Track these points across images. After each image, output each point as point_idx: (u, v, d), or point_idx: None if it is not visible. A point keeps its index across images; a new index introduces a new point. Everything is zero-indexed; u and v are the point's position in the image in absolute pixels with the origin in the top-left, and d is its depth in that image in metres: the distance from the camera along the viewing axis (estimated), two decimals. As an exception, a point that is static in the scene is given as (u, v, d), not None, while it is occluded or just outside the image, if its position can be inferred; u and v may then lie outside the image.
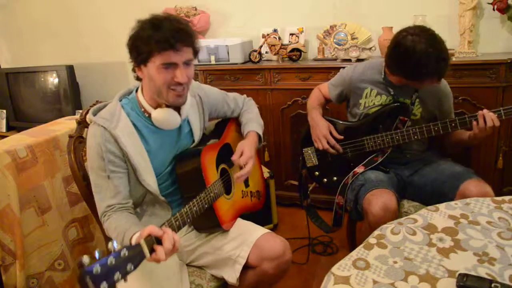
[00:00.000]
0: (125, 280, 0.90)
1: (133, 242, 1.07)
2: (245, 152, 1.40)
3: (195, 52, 1.24)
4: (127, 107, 1.28)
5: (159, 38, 1.12)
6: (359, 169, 1.70)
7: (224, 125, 1.58)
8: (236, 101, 1.59)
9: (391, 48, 1.51)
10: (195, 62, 2.66)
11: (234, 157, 1.39)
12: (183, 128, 1.38)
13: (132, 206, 1.28)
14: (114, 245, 0.91)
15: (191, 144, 1.41)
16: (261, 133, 1.55)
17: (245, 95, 1.66)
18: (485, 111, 1.49)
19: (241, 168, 1.40)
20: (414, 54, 1.42)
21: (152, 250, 0.98)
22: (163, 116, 1.25)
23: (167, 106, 1.26)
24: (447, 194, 1.51)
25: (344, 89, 1.78)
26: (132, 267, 0.92)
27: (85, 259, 0.84)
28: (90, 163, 1.24)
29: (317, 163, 1.83)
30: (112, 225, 1.19)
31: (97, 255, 0.87)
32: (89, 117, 1.27)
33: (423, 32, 1.44)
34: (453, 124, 1.55)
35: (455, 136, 1.69)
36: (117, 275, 0.88)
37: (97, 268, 0.85)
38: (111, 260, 0.88)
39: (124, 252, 0.91)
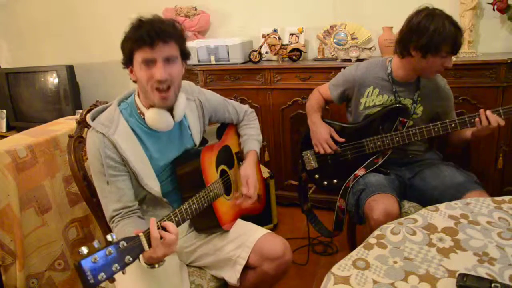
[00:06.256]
0: (124, 272, 0.90)
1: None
2: (250, 183, 1.42)
3: (182, 50, 1.24)
4: (125, 112, 1.28)
5: (137, 36, 1.15)
6: (360, 171, 1.69)
7: (224, 128, 1.60)
8: (236, 110, 1.59)
9: (409, 21, 1.54)
10: (195, 62, 2.69)
11: (244, 190, 1.41)
12: (184, 132, 1.38)
13: (139, 208, 1.28)
14: (113, 237, 0.91)
15: (194, 147, 1.41)
16: (258, 151, 1.58)
17: (247, 106, 1.66)
18: (487, 111, 1.49)
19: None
20: (433, 19, 1.48)
21: (150, 244, 0.98)
22: (154, 117, 1.24)
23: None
24: None
25: (346, 88, 1.77)
26: (131, 259, 0.92)
27: (84, 249, 0.84)
28: (92, 168, 1.25)
29: (316, 166, 1.83)
30: (121, 232, 1.17)
31: (95, 245, 0.87)
32: (87, 121, 1.27)
33: (437, 9, 1.53)
34: (452, 125, 1.54)
35: (458, 135, 1.68)
36: (115, 266, 0.88)
37: (95, 258, 0.85)
38: (109, 251, 0.88)
39: (123, 243, 0.91)
